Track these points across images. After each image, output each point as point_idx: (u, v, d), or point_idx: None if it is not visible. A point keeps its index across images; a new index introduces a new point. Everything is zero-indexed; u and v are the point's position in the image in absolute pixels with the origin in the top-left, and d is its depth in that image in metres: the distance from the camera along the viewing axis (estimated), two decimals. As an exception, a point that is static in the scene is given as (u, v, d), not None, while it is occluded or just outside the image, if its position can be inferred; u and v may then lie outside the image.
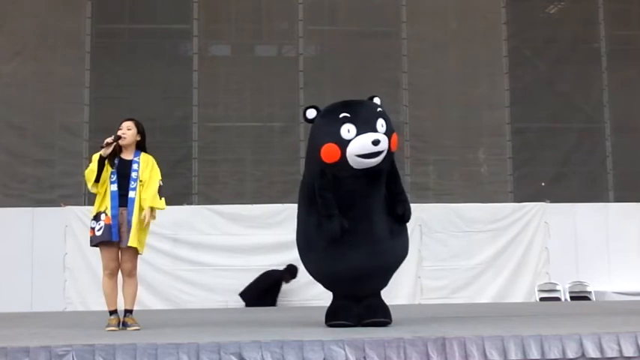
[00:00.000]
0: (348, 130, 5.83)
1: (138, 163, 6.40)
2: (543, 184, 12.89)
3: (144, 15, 12.84)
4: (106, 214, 6.24)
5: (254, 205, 11.77)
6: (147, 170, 6.40)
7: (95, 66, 12.36)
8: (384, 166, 6.02)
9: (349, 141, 5.80)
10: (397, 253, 6.28)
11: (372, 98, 6.29)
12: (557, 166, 12.88)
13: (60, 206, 11.41)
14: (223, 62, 13.37)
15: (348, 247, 5.95)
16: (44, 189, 12.05)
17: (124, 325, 6.29)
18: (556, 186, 12.67)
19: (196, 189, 12.30)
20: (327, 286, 6.47)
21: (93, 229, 6.30)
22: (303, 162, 11.41)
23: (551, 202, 12.04)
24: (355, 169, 5.89)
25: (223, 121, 12.82)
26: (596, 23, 13.24)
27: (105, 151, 6.28)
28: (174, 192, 11.17)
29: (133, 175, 6.33)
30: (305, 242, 6.31)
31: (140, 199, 6.34)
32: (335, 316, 6.13)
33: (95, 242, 6.31)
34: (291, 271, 10.89)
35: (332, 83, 12.27)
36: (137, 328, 6.23)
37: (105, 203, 6.29)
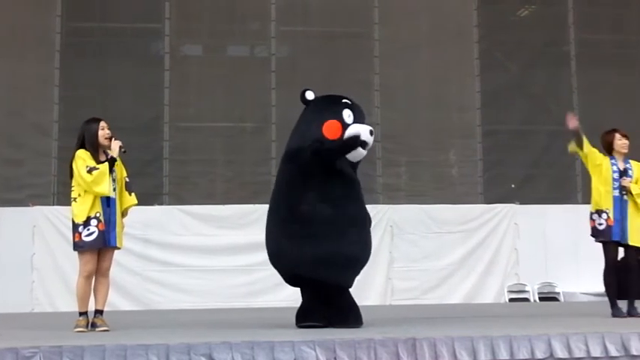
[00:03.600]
0: (348, 115, 6.19)
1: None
2: (513, 185, 12.98)
3: (115, 14, 12.73)
4: (99, 220, 6.09)
5: (225, 206, 11.74)
6: (118, 169, 6.35)
7: (65, 65, 12.25)
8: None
9: (348, 125, 6.13)
10: (368, 246, 6.29)
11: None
12: (527, 168, 12.99)
13: (28, 206, 11.29)
14: (195, 62, 13.34)
15: (333, 230, 5.94)
16: (12, 188, 11.90)
17: (93, 325, 6.21)
18: (526, 188, 12.77)
19: (167, 189, 12.24)
20: (302, 273, 6.05)
21: (80, 234, 6.09)
22: (274, 162, 11.48)
23: (520, 203, 12.14)
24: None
25: (195, 121, 12.77)
26: (566, 27, 13.38)
27: (119, 154, 6.23)
28: (145, 192, 11.10)
29: (113, 175, 6.26)
30: (283, 224, 6.13)
31: (121, 198, 6.30)
32: (305, 317, 6.11)
33: (85, 248, 6.11)
34: None
35: (304, 84, 12.01)
36: (106, 329, 6.16)
37: (96, 208, 6.11)
